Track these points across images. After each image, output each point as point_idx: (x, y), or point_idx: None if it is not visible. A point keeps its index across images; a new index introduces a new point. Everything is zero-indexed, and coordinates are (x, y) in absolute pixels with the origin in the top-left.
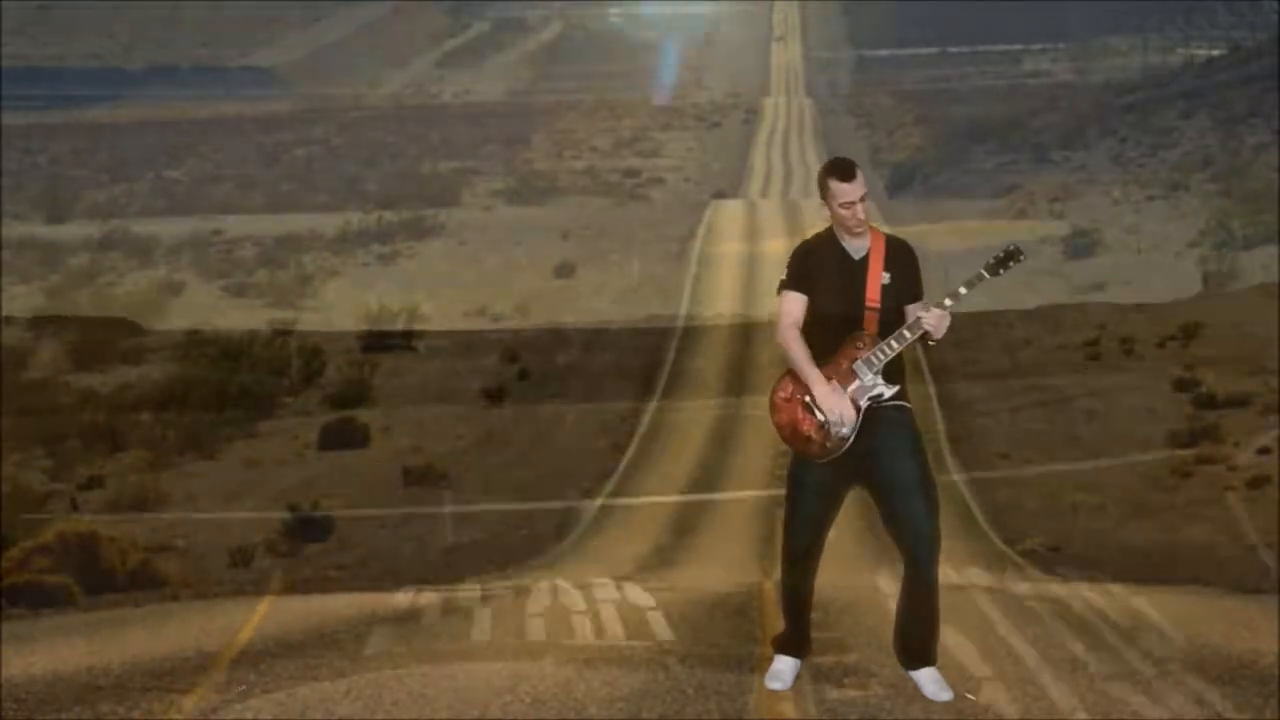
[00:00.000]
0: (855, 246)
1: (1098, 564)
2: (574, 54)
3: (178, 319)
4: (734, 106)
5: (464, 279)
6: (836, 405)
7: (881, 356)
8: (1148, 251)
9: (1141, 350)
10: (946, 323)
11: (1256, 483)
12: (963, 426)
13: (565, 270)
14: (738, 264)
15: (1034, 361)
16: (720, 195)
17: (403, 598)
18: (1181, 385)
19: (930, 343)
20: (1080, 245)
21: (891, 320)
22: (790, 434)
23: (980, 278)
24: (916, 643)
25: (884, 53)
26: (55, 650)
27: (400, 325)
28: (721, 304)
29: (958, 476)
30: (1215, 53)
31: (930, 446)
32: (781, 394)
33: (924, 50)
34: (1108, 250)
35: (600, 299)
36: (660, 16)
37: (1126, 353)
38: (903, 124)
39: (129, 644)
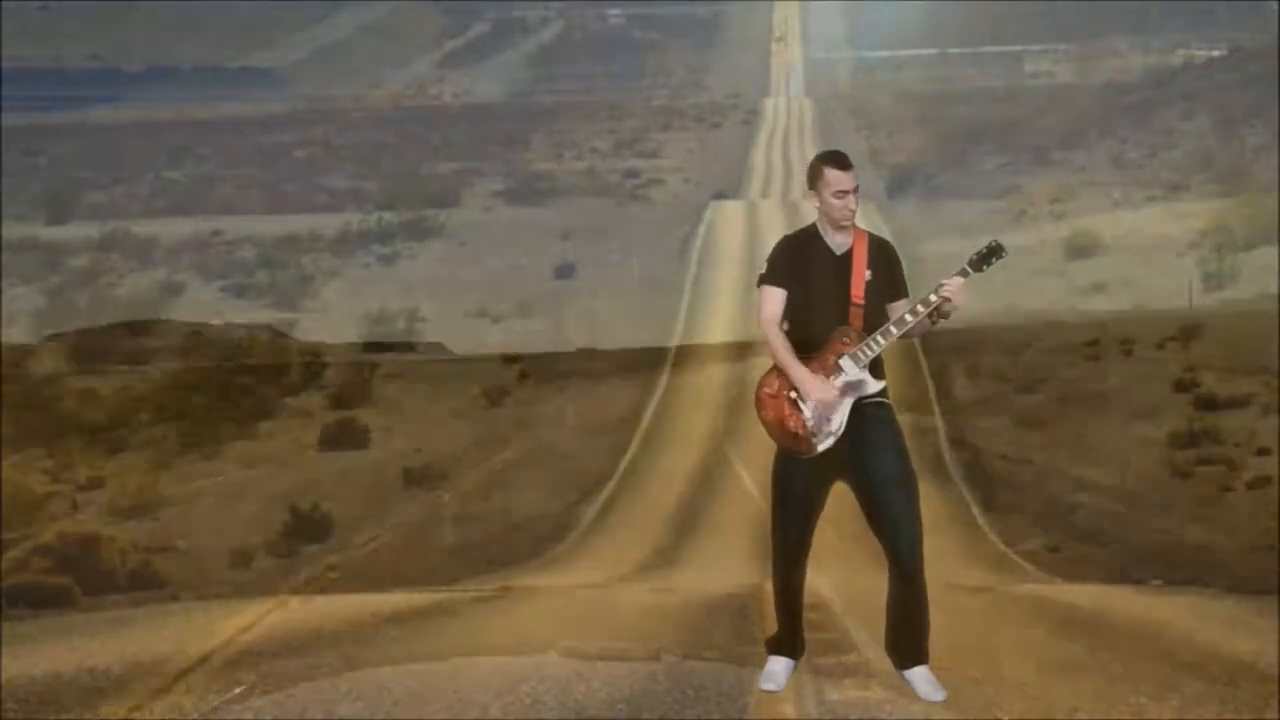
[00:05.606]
0: (838, 242)
1: (1098, 565)
2: (574, 54)
3: (178, 319)
4: (734, 107)
5: (464, 279)
6: (818, 391)
7: (869, 351)
8: (1148, 252)
9: (1141, 351)
10: (967, 294)
11: (1256, 483)
12: (962, 427)
13: (565, 270)
14: (738, 264)
15: (1034, 361)
16: (720, 196)
17: (403, 598)
18: (1181, 385)
19: (941, 316)
20: (1080, 246)
21: (875, 317)
22: (777, 430)
23: (964, 274)
24: (907, 641)
25: (884, 53)
26: (55, 650)
27: (400, 326)
28: (722, 304)
29: (957, 477)
30: (1215, 53)
31: (930, 447)
32: (767, 389)
33: (924, 51)
34: (1108, 251)
35: (600, 299)
36: (660, 16)
37: (1126, 353)
38: (903, 125)
39: (129, 644)
